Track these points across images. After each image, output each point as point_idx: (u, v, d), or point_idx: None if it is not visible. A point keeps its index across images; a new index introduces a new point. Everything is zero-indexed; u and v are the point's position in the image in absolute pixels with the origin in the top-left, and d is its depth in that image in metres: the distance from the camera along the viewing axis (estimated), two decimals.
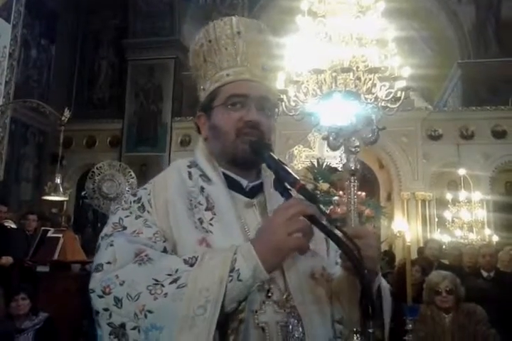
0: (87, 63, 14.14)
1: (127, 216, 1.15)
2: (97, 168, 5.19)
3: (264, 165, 1.24)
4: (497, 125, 11.35)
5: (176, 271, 0.98)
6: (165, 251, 1.10)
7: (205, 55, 1.29)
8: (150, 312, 0.95)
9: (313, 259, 1.20)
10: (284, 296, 1.13)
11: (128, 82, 13.09)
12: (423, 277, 4.03)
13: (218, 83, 1.25)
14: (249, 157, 1.20)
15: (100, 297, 1.00)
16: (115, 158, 12.61)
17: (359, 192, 4.51)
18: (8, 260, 5.62)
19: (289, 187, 1.08)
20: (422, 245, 9.57)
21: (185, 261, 1.01)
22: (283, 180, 1.08)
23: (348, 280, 1.14)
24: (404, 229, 10.89)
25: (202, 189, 1.20)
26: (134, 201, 1.19)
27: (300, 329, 1.12)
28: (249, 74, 1.25)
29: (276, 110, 1.32)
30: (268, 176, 1.27)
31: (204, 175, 1.23)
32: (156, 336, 0.94)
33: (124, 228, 1.13)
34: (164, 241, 1.11)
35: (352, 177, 1.20)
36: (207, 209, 1.17)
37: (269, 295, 1.11)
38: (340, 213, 3.77)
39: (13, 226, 6.82)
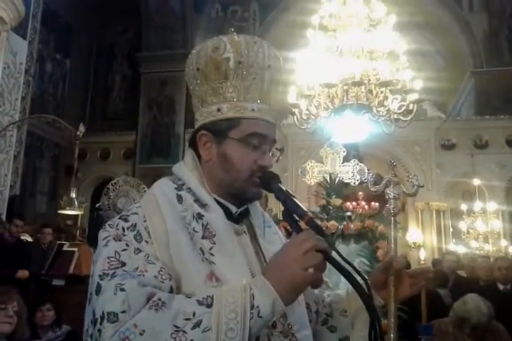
0: (101, 76, 14.36)
1: (124, 249, 1.06)
2: (112, 184, 5.23)
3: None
4: (511, 134, 11.27)
5: (193, 314, 0.95)
6: (171, 290, 1.04)
7: (228, 72, 1.18)
8: None
9: None
10: (286, 325, 1.14)
11: (141, 95, 13.25)
12: None
13: (240, 113, 1.18)
14: (256, 198, 1.22)
15: None
16: (129, 170, 12.75)
17: (372, 203, 4.50)
18: (24, 273, 5.68)
19: (297, 218, 1.08)
20: (436, 256, 9.49)
21: (200, 303, 0.97)
22: (292, 211, 1.09)
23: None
24: (419, 239, 10.83)
25: (200, 216, 1.14)
26: (128, 228, 1.09)
27: None
28: (271, 115, 1.22)
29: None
30: (254, 203, 1.28)
31: (199, 201, 1.17)
32: None
33: (123, 264, 1.03)
34: (170, 280, 1.05)
35: (393, 218, 1.27)
36: (203, 237, 1.12)
37: (274, 327, 1.12)
38: (353, 229, 3.76)
39: (29, 239, 6.91)
